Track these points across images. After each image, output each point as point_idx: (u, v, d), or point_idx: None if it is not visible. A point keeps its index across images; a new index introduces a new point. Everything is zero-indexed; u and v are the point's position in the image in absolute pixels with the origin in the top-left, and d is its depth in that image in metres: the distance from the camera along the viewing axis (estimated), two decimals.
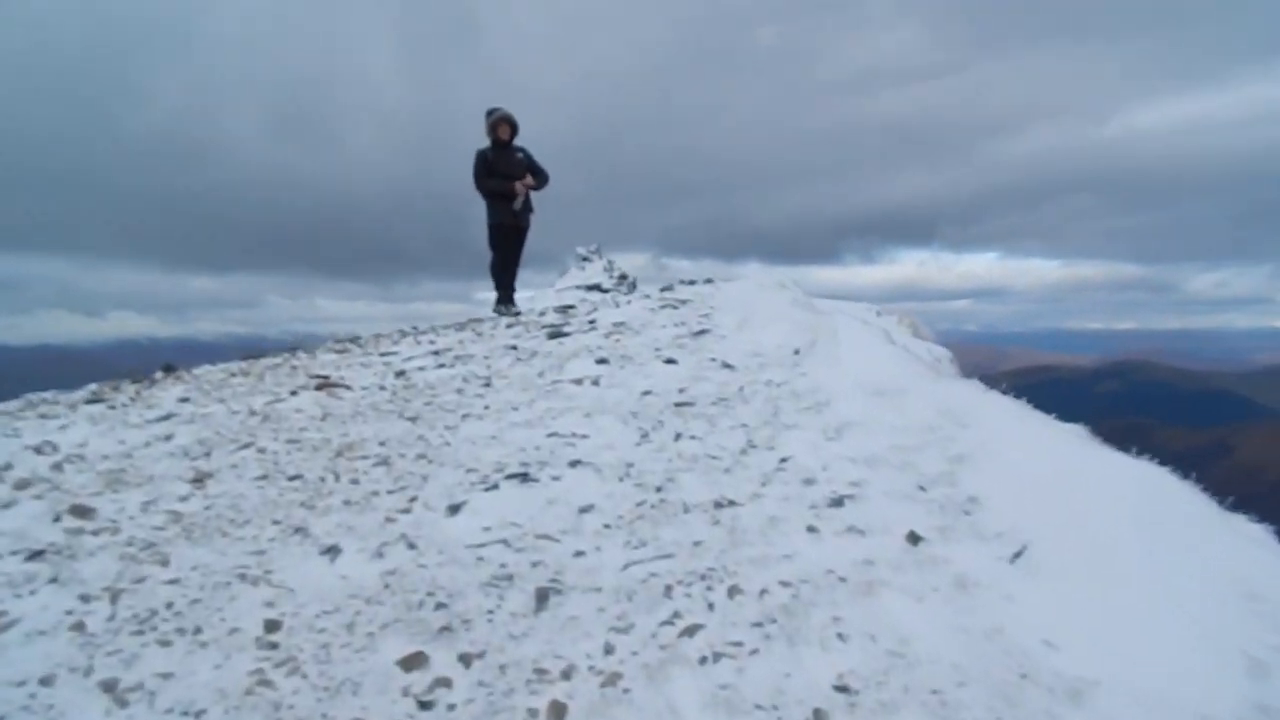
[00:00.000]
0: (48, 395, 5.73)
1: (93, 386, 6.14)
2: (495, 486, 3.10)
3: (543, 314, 7.19)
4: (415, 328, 8.08)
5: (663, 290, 8.02)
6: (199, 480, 3.28)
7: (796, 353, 4.74)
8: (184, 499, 3.10)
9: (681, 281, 8.74)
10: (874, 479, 3.14)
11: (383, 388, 4.63)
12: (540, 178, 7.96)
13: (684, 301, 6.59)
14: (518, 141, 7.96)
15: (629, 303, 6.72)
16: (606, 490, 3.11)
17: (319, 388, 4.65)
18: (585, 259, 12.38)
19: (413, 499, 3.07)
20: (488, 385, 4.50)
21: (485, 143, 7.89)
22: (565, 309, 7.36)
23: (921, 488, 3.08)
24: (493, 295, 8.29)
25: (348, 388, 4.69)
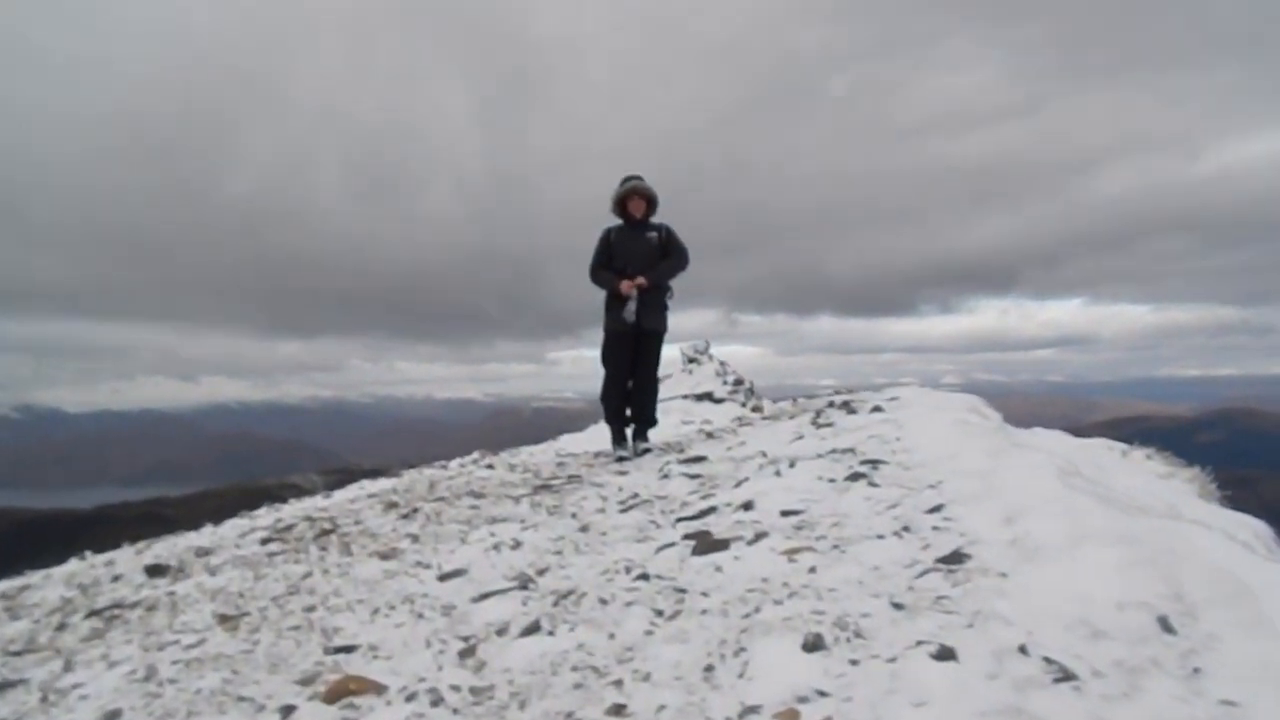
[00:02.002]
0: None
1: (51, 615, 4.42)
2: None
3: (664, 471, 5.21)
4: (490, 471, 6.24)
5: (818, 421, 5.98)
6: None
7: (1168, 628, 2.62)
8: None
9: (835, 404, 6.70)
10: None
11: (437, 699, 2.67)
12: (674, 260, 6.16)
13: (876, 464, 4.52)
14: (660, 218, 6.24)
15: (791, 465, 4.68)
16: None
17: (332, 696, 2.74)
18: (693, 360, 10.45)
19: None
20: (621, 710, 2.50)
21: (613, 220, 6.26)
22: (694, 462, 5.37)
23: None
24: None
25: (381, 689, 2.76)
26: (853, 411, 6.20)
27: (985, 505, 3.66)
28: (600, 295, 6.29)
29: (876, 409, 6.08)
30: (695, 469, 5.09)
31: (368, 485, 8.21)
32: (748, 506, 4.11)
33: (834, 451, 4.93)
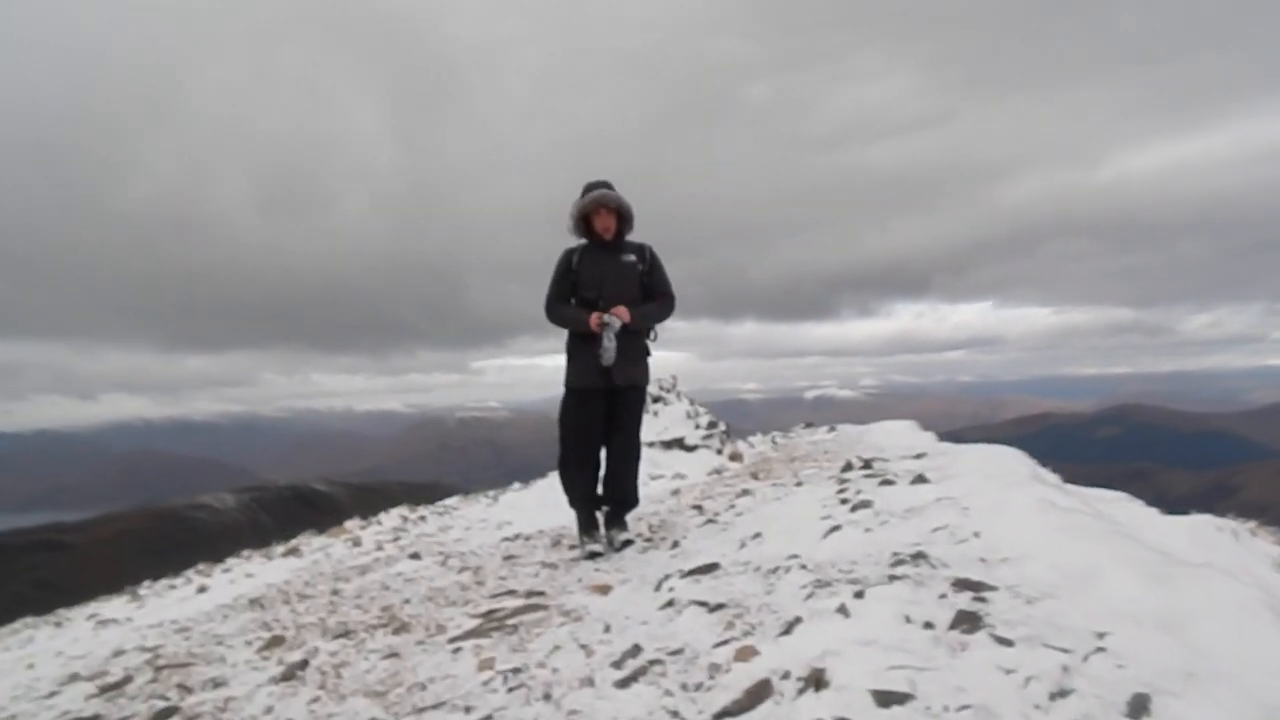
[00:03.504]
0: None
1: None
2: None
3: (664, 593, 3.74)
4: (415, 564, 4.69)
5: (847, 497, 4.62)
6: None
7: None
8: None
9: (854, 465, 5.36)
10: None
11: None
12: (662, 304, 4.75)
13: (979, 590, 3.15)
14: (636, 236, 4.82)
15: (858, 594, 3.26)
16: None
17: None
18: (657, 399, 8.98)
19: None
20: None
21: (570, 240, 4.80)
22: (702, 574, 3.89)
23: None
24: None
25: None
26: (888, 481, 4.84)
27: (1218, 698, 2.32)
28: (561, 336, 4.80)
29: (920, 479, 4.74)
30: (709, 590, 3.61)
31: (258, 572, 6.48)
32: (819, 682, 2.67)
33: (900, 561, 3.55)
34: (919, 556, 3.58)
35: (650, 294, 4.80)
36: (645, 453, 7.08)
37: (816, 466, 6.66)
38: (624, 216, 4.71)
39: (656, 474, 7.28)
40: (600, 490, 4.87)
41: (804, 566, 3.67)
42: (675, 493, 6.59)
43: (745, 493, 5.73)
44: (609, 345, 4.48)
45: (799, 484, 5.61)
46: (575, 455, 4.77)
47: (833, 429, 10.69)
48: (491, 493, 9.25)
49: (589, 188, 4.67)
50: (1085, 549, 3.43)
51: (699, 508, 5.60)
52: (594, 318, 4.52)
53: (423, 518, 7.73)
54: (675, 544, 4.56)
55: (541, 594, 3.98)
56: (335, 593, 4.88)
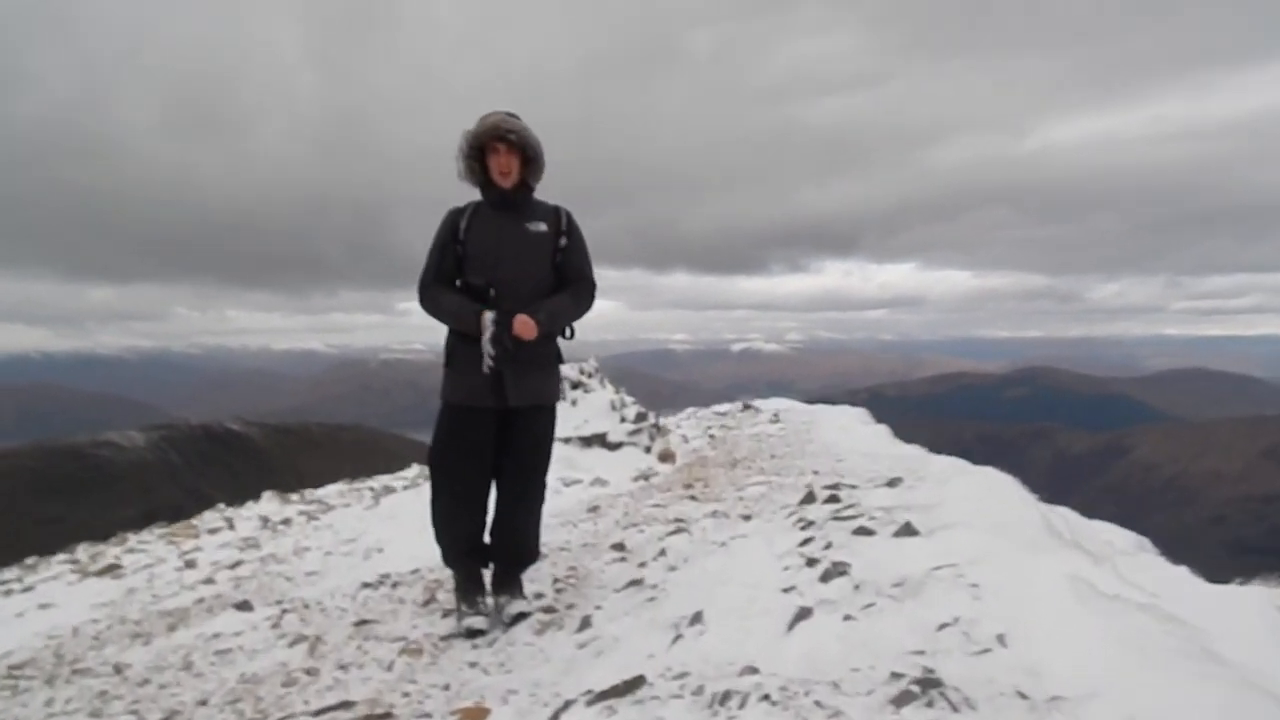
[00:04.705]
0: None
1: None
2: None
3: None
4: (242, 620, 3.43)
5: (812, 555, 3.53)
6: None
7: None
8: None
9: (815, 498, 4.24)
10: None
11: None
12: (579, 292, 3.43)
13: None
14: (548, 193, 3.47)
15: None
16: None
17: None
18: (576, 385, 7.67)
19: None
20: None
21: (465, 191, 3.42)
22: (619, 698, 2.72)
23: None
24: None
25: None
26: (865, 530, 3.74)
27: None
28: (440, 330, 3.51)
29: (907, 529, 3.66)
30: None
31: (58, 600, 5.07)
32: None
33: (907, 695, 2.44)
34: (930, 684, 2.49)
35: (564, 277, 3.53)
36: (560, 451, 5.86)
37: (765, 482, 5.58)
38: (530, 159, 3.38)
39: (572, 479, 6.11)
40: (487, 539, 3.66)
41: (766, 696, 2.53)
42: (593, 510, 5.42)
43: (680, 527, 4.57)
44: (491, 337, 3.20)
45: (747, 517, 4.51)
46: (452, 494, 3.52)
47: (776, 418, 9.67)
48: (378, 482, 7.95)
49: (484, 120, 3.34)
50: (1169, 688, 2.38)
51: (620, 546, 4.43)
52: (485, 320, 3.23)
53: (287, 520, 6.39)
54: (585, 622, 3.37)
55: (388, 715, 2.76)
56: (119, 670, 3.56)
